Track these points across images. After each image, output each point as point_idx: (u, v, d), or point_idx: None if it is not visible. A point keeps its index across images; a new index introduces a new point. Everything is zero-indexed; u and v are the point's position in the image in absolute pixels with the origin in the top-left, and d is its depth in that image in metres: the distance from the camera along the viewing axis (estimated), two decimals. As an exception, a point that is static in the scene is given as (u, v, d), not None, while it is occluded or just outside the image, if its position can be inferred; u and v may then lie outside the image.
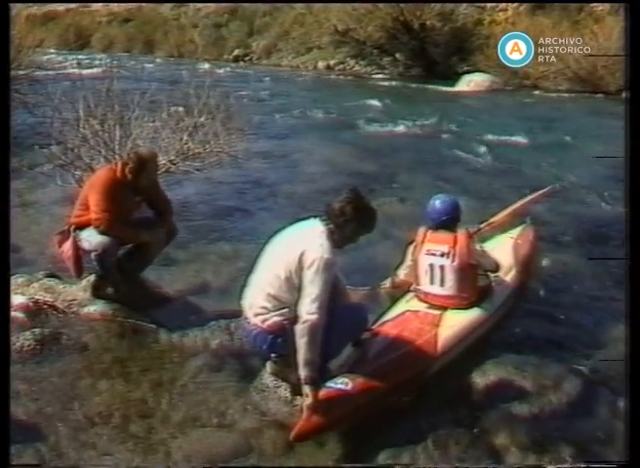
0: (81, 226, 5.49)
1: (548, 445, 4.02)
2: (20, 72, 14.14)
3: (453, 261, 5.06)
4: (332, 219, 4.15)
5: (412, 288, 5.37)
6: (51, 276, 5.95)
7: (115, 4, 44.72)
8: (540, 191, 7.25)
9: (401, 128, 15.42)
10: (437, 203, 5.25)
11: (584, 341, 5.34)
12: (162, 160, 7.79)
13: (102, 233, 5.34)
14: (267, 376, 4.47)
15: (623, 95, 20.96)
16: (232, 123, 8.97)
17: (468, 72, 25.90)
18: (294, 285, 4.05)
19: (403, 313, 5.06)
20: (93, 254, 5.40)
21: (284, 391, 4.36)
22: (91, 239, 5.39)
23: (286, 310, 4.11)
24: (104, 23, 45.86)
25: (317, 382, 3.98)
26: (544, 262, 6.60)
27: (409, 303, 5.25)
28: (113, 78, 8.88)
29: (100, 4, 45.11)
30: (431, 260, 5.14)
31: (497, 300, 5.37)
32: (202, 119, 8.79)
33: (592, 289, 6.28)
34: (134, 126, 8.16)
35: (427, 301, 5.18)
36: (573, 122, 16.34)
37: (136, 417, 4.18)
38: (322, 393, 3.99)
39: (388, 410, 4.26)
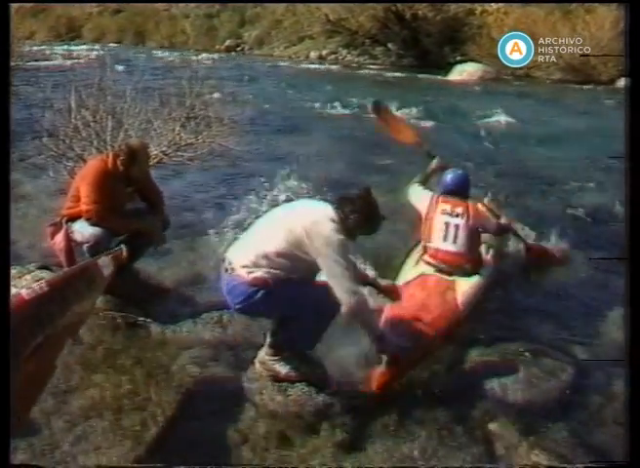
0: (73, 218, 5.47)
1: (542, 432, 4.05)
2: (12, 64, 14.08)
3: (467, 221, 5.61)
4: (340, 207, 4.22)
5: (422, 244, 5.86)
6: (43, 268, 5.91)
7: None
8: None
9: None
10: (449, 177, 5.90)
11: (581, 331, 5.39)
12: (154, 151, 7.77)
13: (94, 224, 5.33)
14: (260, 367, 4.47)
15: (616, 84, 21.07)
16: (224, 113, 8.96)
17: (461, 62, 25.91)
18: (295, 255, 4.09)
19: (419, 276, 5.59)
20: (85, 246, 5.38)
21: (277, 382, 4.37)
22: (83, 230, 5.37)
23: (277, 272, 4.11)
24: (95, 14, 45.62)
25: (388, 351, 4.29)
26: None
27: (418, 267, 5.74)
28: (105, 69, 8.85)
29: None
30: (447, 219, 5.67)
31: (488, 267, 5.92)
32: (194, 109, 8.77)
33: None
34: (126, 116, 8.13)
35: (437, 258, 5.68)
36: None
37: (129, 410, 4.17)
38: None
39: (382, 398, 4.30)
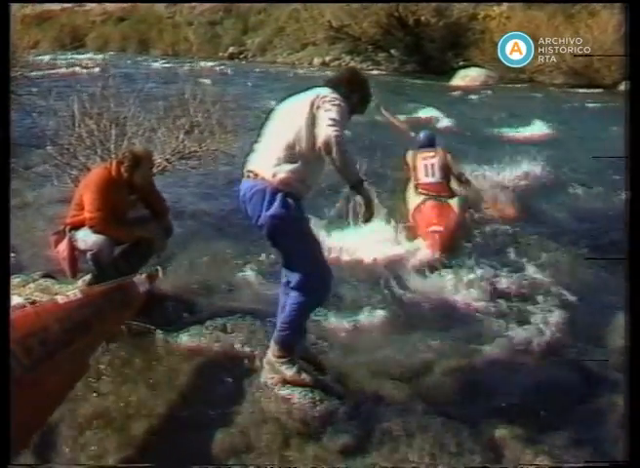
0: (76, 226, 5.47)
1: (546, 434, 4.04)
2: (16, 73, 14.09)
3: (438, 160, 8.12)
4: (337, 91, 4.21)
5: (414, 183, 8.15)
6: (47, 276, 5.93)
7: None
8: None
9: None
10: (422, 135, 8.82)
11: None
12: (158, 159, 7.78)
13: (97, 232, 5.32)
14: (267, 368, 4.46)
15: (620, 87, 21.04)
16: (228, 121, 8.97)
17: (464, 67, 25.93)
18: (310, 132, 4.02)
19: (423, 201, 7.81)
20: (88, 254, 5.38)
21: (283, 388, 4.36)
22: (86, 239, 5.37)
23: (298, 165, 4.05)
24: (99, 23, 45.84)
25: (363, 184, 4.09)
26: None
27: (419, 197, 7.92)
28: (108, 77, 8.87)
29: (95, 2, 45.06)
30: (425, 162, 8.17)
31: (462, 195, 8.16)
32: (198, 118, 8.79)
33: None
34: (129, 125, 8.15)
35: (425, 189, 7.97)
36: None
37: (134, 418, 4.17)
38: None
39: (384, 403, 4.30)
